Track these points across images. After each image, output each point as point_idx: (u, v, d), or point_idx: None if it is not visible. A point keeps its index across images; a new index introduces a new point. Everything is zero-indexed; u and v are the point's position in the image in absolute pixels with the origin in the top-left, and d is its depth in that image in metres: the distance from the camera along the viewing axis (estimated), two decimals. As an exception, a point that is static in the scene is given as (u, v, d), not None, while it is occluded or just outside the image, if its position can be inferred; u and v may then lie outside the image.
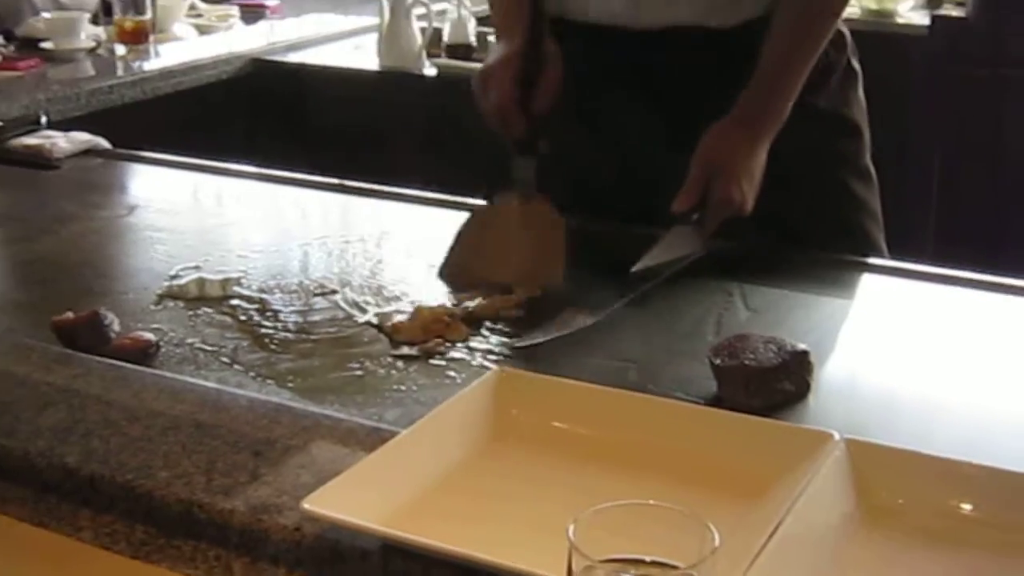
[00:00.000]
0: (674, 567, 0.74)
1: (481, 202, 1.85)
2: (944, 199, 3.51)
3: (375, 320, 1.50)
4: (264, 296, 1.58)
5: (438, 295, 1.57)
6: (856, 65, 1.81)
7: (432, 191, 1.96)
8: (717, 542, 0.75)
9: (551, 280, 1.58)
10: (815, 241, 1.71)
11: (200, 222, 1.98)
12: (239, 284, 1.61)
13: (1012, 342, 1.49)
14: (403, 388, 1.35)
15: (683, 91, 1.66)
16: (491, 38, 3.01)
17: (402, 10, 2.92)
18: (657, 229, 1.59)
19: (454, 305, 1.52)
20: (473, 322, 1.49)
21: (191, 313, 1.54)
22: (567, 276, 1.59)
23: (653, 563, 0.74)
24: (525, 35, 1.64)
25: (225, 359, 1.41)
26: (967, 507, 1.01)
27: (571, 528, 0.74)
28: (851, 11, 3.54)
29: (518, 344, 1.46)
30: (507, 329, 1.47)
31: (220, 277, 1.62)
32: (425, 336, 1.44)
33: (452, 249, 1.65)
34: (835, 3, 1.67)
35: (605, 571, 0.74)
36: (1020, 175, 3.45)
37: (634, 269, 1.53)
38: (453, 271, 1.63)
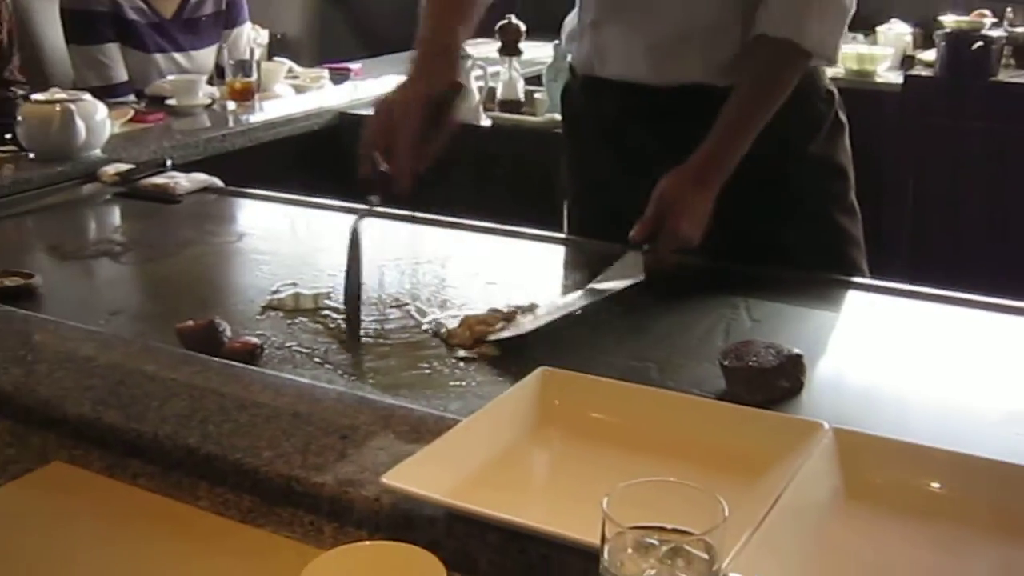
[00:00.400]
0: (690, 534, 0.74)
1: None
2: (915, 228, 3.49)
3: (432, 328, 1.50)
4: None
5: (488, 305, 1.57)
6: (843, 117, 1.80)
7: (487, 221, 1.96)
8: (726, 513, 0.74)
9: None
10: (808, 264, 1.70)
11: (296, 247, 1.99)
12: (328, 298, 1.62)
13: (973, 347, 1.48)
14: (464, 384, 1.35)
15: (696, 136, 1.65)
16: (538, 95, 3.01)
17: (463, 71, 2.94)
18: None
19: (494, 311, 1.52)
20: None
21: (289, 322, 1.55)
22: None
23: (673, 530, 0.74)
24: (440, 84, 1.56)
25: (318, 359, 1.42)
26: (936, 486, 1.00)
27: (605, 501, 0.74)
28: (836, 71, 3.54)
29: (594, 285, 1.52)
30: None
31: (313, 292, 1.63)
32: (473, 338, 1.45)
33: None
34: (781, 83, 1.64)
35: (633, 536, 0.74)
36: (978, 209, 3.43)
37: (592, 285, 1.54)
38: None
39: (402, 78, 1.61)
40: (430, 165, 1.54)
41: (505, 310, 1.52)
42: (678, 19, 1.69)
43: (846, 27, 1.65)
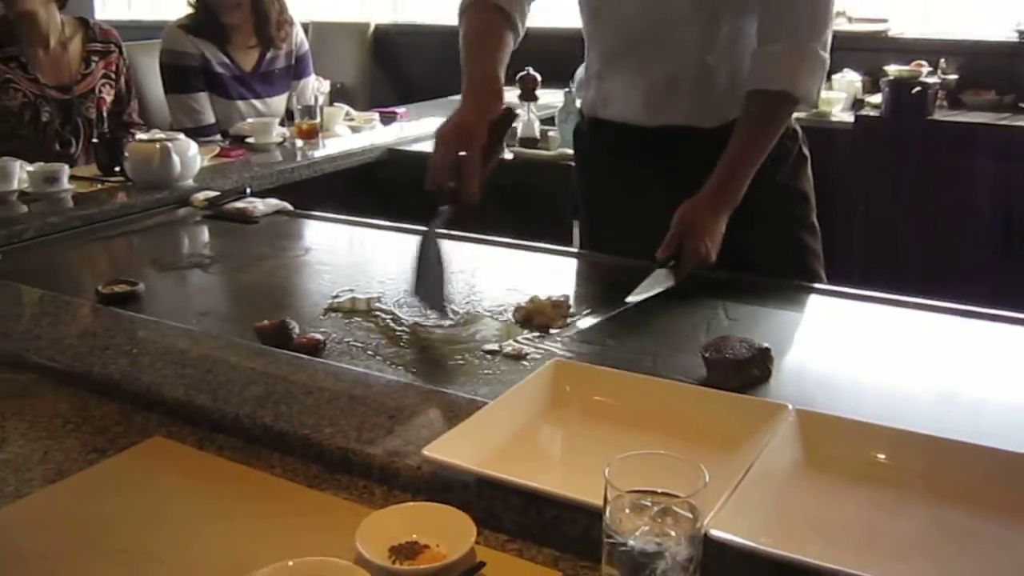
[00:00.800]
0: (677, 497, 0.74)
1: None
2: (865, 243, 3.47)
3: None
4: (396, 310, 1.59)
5: (510, 306, 1.57)
6: (805, 151, 1.80)
7: (508, 238, 1.96)
8: (707, 480, 0.75)
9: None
10: (777, 273, 1.69)
11: (352, 259, 2.00)
12: (379, 301, 1.62)
13: (911, 341, 1.47)
14: (491, 372, 1.35)
15: (682, 168, 1.65)
16: (552, 133, 3.01)
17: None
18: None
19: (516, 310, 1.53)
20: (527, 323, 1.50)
21: (347, 321, 1.55)
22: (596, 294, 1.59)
23: (663, 494, 0.74)
24: (494, 111, 1.55)
25: (370, 352, 1.42)
26: (881, 457, 1.00)
27: (606, 470, 0.75)
28: (799, 113, 3.52)
29: (629, 299, 1.49)
30: (558, 335, 1.48)
31: (366, 296, 1.63)
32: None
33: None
34: (776, 125, 1.64)
35: (630, 498, 0.74)
36: (915, 227, 3.40)
37: (627, 299, 1.52)
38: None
39: (453, 110, 1.58)
40: (489, 178, 1.53)
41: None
42: (667, 73, 1.69)
43: (824, 77, 1.64)
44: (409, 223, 2.11)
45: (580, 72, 1.89)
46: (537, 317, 1.50)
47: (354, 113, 3.42)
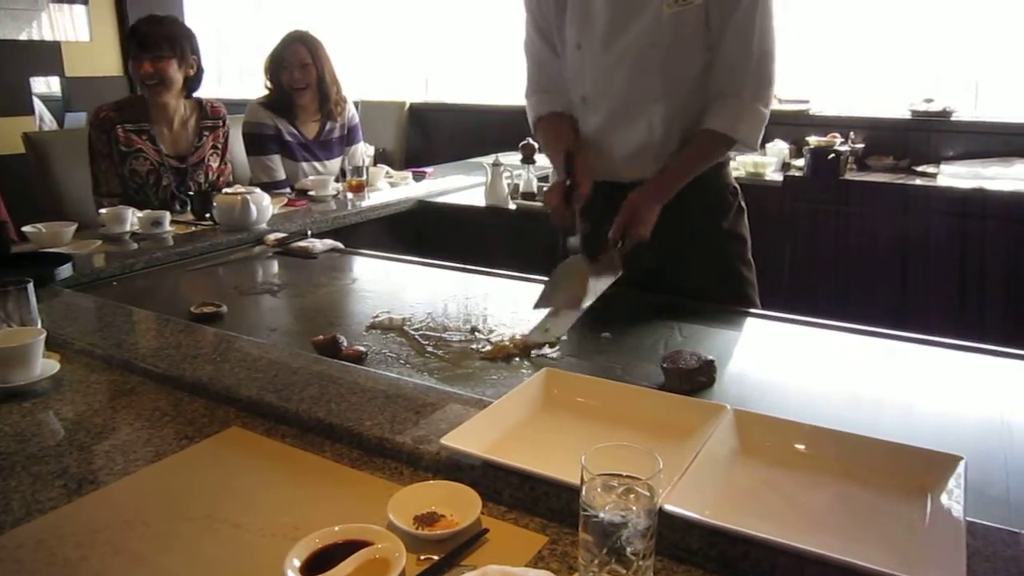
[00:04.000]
0: (638, 479, 0.74)
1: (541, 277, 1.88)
2: (790, 277, 3.47)
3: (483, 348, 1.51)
4: (422, 329, 1.59)
5: (516, 330, 1.56)
6: (743, 204, 1.80)
7: (512, 271, 1.97)
8: (661, 466, 0.75)
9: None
10: (720, 300, 1.70)
11: (389, 287, 1.99)
12: (409, 321, 1.63)
13: (825, 354, 1.47)
14: (495, 378, 1.35)
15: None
16: (546, 188, 3.02)
17: (497, 174, 2.95)
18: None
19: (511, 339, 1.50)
20: (525, 348, 1.47)
21: (384, 336, 1.55)
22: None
23: (627, 476, 0.74)
24: (563, 173, 1.61)
25: (402, 361, 1.42)
26: (801, 447, 1.00)
27: (583, 457, 0.75)
28: (738, 172, 3.53)
29: (584, 304, 1.47)
30: (550, 355, 1.48)
31: (400, 317, 1.64)
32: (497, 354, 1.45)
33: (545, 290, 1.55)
34: (712, 157, 1.65)
35: (601, 480, 0.74)
36: (830, 263, 3.40)
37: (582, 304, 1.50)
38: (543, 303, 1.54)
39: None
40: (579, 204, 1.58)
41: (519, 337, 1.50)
42: (638, 141, 1.70)
43: (764, 127, 1.64)
44: (434, 259, 2.12)
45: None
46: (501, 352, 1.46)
47: (392, 172, 3.43)
